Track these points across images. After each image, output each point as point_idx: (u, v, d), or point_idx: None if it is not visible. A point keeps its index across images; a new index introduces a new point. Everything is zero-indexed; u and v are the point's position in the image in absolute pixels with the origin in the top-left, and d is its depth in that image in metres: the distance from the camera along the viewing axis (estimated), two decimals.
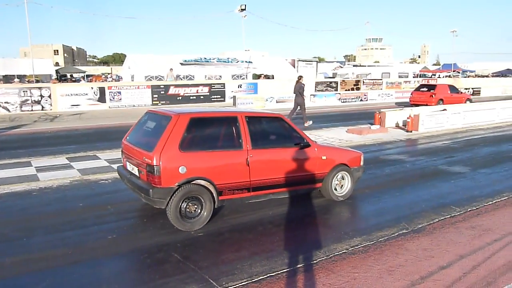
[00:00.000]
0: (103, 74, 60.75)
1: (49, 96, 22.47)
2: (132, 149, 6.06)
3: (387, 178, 8.66)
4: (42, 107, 22.37)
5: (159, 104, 25.12)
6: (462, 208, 6.63)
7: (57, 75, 46.29)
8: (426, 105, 22.04)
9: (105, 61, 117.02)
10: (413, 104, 24.37)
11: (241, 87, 29.20)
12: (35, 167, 9.27)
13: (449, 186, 7.99)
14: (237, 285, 4.18)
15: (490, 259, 4.82)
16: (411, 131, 14.95)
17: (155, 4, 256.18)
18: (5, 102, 21.59)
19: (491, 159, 10.57)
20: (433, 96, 24.42)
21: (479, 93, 39.16)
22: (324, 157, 6.79)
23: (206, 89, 27.40)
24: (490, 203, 6.93)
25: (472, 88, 39.25)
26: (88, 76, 54.68)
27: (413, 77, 52.27)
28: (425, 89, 25.87)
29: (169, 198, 5.45)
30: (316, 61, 43.18)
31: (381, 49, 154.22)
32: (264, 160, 6.16)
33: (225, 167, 5.83)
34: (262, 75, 37.43)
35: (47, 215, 6.30)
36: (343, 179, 7.11)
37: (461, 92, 27.54)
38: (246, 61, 40.14)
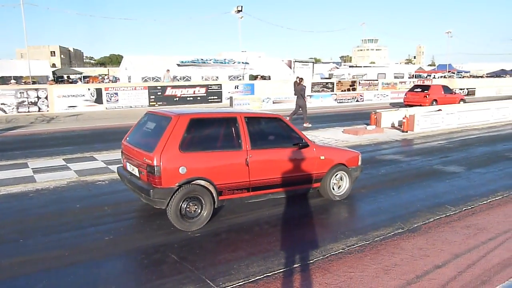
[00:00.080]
0: (100, 75, 60.65)
1: (46, 98, 22.43)
2: (132, 149, 6.09)
3: (383, 178, 8.70)
4: (39, 108, 22.33)
5: (156, 105, 25.12)
6: (457, 208, 6.68)
7: (53, 77, 46.19)
8: (420, 105, 22.11)
9: (102, 62, 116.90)
10: (407, 104, 24.41)
11: (237, 88, 29.23)
12: (32, 168, 9.26)
13: (444, 186, 8.04)
14: (234, 285, 4.20)
15: (485, 258, 4.86)
16: (406, 131, 15.01)
17: (152, 5, 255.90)
18: (1, 104, 21.55)
19: (485, 158, 10.64)
20: (427, 96, 24.50)
21: (474, 94, 39.35)
22: (322, 157, 6.84)
23: (203, 90, 27.41)
24: (485, 202, 6.98)
25: (467, 89, 39.45)
26: (85, 77, 54.61)
27: (409, 77, 52.47)
28: (419, 89, 25.94)
29: (169, 198, 5.48)
30: (313, 62, 43.32)
31: (376, 50, 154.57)
32: (263, 160, 6.20)
33: (224, 167, 5.87)
34: (259, 76, 37.45)
35: (43, 216, 6.30)
36: (341, 179, 7.17)
37: (455, 93, 27.65)
38: (242, 62, 40.19)
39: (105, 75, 62.54)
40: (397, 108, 19.10)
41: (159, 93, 25.54)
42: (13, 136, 14.81)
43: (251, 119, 6.33)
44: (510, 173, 9.06)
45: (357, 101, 31.28)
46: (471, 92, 39.25)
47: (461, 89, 38.39)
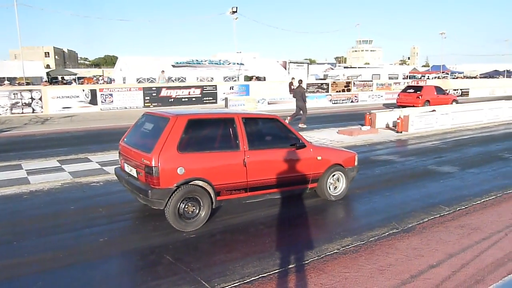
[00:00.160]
0: (94, 76, 60.46)
1: (40, 99, 22.33)
2: (130, 150, 6.09)
3: (378, 179, 8.74)
4: (33, 109, 22.23)
5: (151, 106, 25.06)
6: (451, 208, 6.71)
7: (48, 78, 45.98)
8: (413, 106, 22.20)
9: (96, 63, 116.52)
10: (400, 105, 24.45)
11: (232, 89, 29.23)
12: (26, 170, 9.22)
13: (439, 186, 8.09)
14: (229, 286, 4.21)
15: (479, 257, 4.89)
16: (401, 132, 15.08)
17: (146, 6, 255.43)
18: None
19: (479, 159, 10.70)
20: (420, 97, 24.56)
21: (468, 94, 39.59)
22: (319, 158, 6.87)
23: (198, 91, 27.38)
24: (479, 202, 7.03)
25: (461, 89, 39.67)
26: (79, 78, 54.42)
27: (403, 78, 52.64)
28: (411, 90, 26.00)
29: (167, 199, 5.49)
30: (307, 63, 43.40)
31: (371, 51, 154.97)
32: (261, 160, 6.23)
33: (222, 168, 5.89)
34: (254, 77, 37.49)
35: (38, 218, 6.28)
36: (338, 179, 7.20)
37: (448, 93, 27.76)
38: (237, 63, 40.19)
39: (100, 76, 62.36)
40: (391, 109, 19.18)
41: (154, 94, 25.49)
42: (6, 138, 14.73)
43: (249, 120, 6.36)
44: (504, 173, 9.12)
45: (351, 101, 31.37)
46: (464, 93, 39.48)
47: (455, 89, 38.60)
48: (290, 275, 4.47)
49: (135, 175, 5.93)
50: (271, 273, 4.48)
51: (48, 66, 72.71)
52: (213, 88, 28.36)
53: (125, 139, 6.54)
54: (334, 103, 30.26)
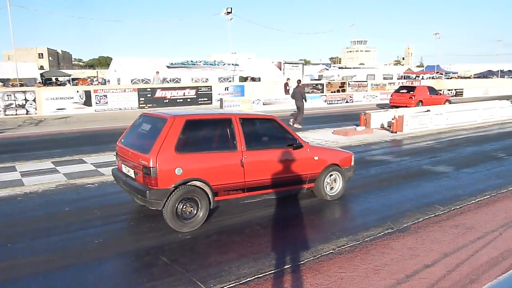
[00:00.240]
0: (89, 77, 60.28)
1: (34, 100, 22.21)
2: (127, 151, 6.08)
3: (373, 179, 8.75)
4: (27, 111, 22.10)
5: (145, 107, 24.99)
6: (446, 207, 6.74)
7: (42, 79, 45.82)
8: (406, 106, 22.23)
9: (90, 65, 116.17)
10: (393, 106, 24.43)
11: (228, 89, 29.22)
12: (20, 171, 9.17)
13: (433, 186, 8.11)
14: (225, 287, 4.20)
15: (474, 256, 4.91)
16: (396, 132, 15.12)
17: (141, 7, 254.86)
18: None
19: (473, 158, 10.75)
20: (413, 98, 24.56)
21: (462, 94, 39.78)
22: (316, 158, 6.90)
23: (193, 92, 27.34)
24: (473, 202, 7.06)
25: (455, 89, 39.85)
26: (73, 79, 54.27)
27: (398, 78, 52.88)
28: (404, 90, 25.98)
29: (165, 199, 5.49)
30: (302, 64, 43.49)
31: (366, 51, 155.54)
32: (258, 161, 6.24)
33: (220, 168, 5.91)
34: (249, 78, 37.53)
35: (32, 220, 6.24)
36: (335, 179, 7.23)
37: (441, 94, 27.81)
38: (232, 64, 40.22)
39: (94, 77, 62.18)
40: (386, 109, 19.24)
41: (148, 95, 25.43)
42: (0, 139, 14.62)
43: (246, 120, 6.39)
44: (498, 172, 9.17)
45: (346, 102, 31.42)
46: (459, 93, 39.67)
47: (449, 89, 38.78)
48: (286, 275, 4.47)
49: (132, 176, 5.92)
50: (267, 273, 4.48)
51: (42, 67, 72.47)
52: (208, 89, 28.33)
53: (122, 140, 6.53)
54: (329, 104, 30.30)
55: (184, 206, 5.67)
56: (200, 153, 5.82)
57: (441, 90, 29.67)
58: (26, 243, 5.35)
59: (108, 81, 42.65)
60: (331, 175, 7.15)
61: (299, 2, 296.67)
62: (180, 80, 35.42)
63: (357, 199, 7.37)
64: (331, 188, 7.18)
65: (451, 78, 60.79)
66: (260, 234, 5.65)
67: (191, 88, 27.74)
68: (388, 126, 16.10)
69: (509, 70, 66.91)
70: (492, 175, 8.97)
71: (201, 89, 27.97)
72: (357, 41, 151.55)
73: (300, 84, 18.12)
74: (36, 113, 22.22)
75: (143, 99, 25.21)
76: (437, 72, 61.97)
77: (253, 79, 37.19)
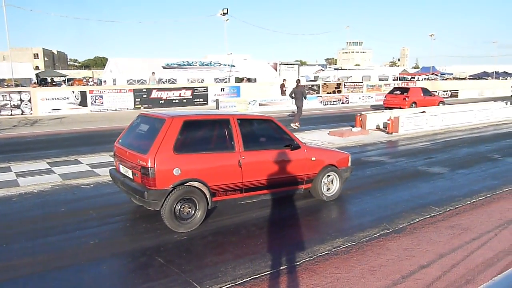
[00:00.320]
0: (84, 78, 60.09)
1: (29, 100, 22.11)
2: (125, 152, 6.08)
3: (369, 180, 8.77)
4: (22, 111, 21.99)
5: (141, 107, 24.93)
6: (442, 208, 6.76)
7: (37, 79, 45.59)
8: (400, 108, 22.26)
9: (86, 65, 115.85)
10: (387, 107, 24.39)
11: (223, 90, 29.20)
12: (15, 172, 9.12)
13: (429, 187, 8.14)
14: None
15: (469, 257, 4.93)
16: (391, 133, 15.17)
17: (136, 7, 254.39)
18: None
19: (468, 159, 10.80)
20: (406, 99, 24.57)
21: (457, 95, 39.98)
22: (313, 158, 6.91)
23: (188, 93, 27.31)
24: (468, 202, 7.09)
25: (450, 91, 40.05)
26: (69, 80, 54.06)
27: (393, 80, 52.95)
28: (398, 92, 25.93)
29: (163, 199, 5.50)
30: (298, 65, 43.51)
31: (361, 52, 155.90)
32: (256, 161, 6.25)
33: (218, 169, 5.92)
34: (245, 79, 37.49)
35: (27, 221, 6.21)
36: (332, 180, 7.25)
37: (434, 95, 27.88)
38: (228, 65, 40.19)
39: (90, 77, 62.01)
40: (381, 111, 19.28)
41: (144, 96, 25.38)
42: None
43: (244, 121, 6.41)
44: (493, 173, 9.21)
45: (342, 103, 31.47)
46: (454, 94, 39.87)
47: (444, 91, 38.96)
48: (282, 276, 4.47)
49: (130, 176, 5.92)
50: (263, 274, 4.48)
51: (37, 68, 72.17)
52: (204, 89, 28.30)
53: (120, 141, 6.52)
54: (325, 105, 30.33)
55: (182, 207, 5.67)
56: (198, 154, 5.82)
57: (435, 91, 29.75)
58: (22, 244, 5.32)
59: (104, 81, 42.53)
60: (329, 175, 7.17)
61: (294, 3, 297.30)
62: (176, 81, 35.37)
63: (353, 200, 7.39)
64: (328, 189, 7.20)
65: (446, 79, 61.03)
66: (256, 235, 5.65)
67: (187, 89, 27.70)
68: (383, 127, 16.14)
69: (504, 72, 67.23)
70: (487, 176, 9.01)
71: (197, 89, 27.93)
72: (353, 43, 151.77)
73: (299, 84, 18.24)
74: (31, 114, 22.12)
75: (138, 99, 25.16)
76: (432, 74, 62.19)
77: (249, 80, 37.17)
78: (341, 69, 75.28)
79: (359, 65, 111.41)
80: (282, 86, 26.94)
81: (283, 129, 6.84)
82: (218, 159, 5.96)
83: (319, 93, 32.88)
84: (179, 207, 5.64)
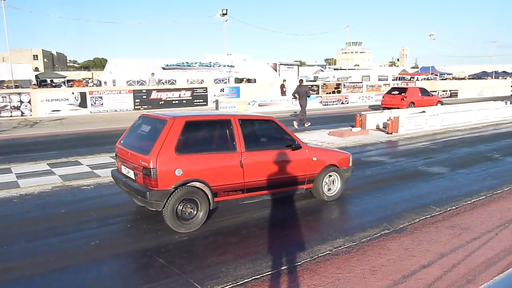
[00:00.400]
0: (84, 79, 60.09)
1: (29, 102, 22.12)
2: (127, 152, 6.08)
3: (369, 180, 8.78)
4: (22, 113, 21.99)
5: (141, 108, 24.93)
6: (442, 208, 6.76)
7: (37, 81, 45.61)
8: (398, 108, 22.22)
9: (86, 66, 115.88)
10: (385, 107, 24.29)
11: (223, 91, 29.20)
12: (15, 173, 9.12)
13: (429, 187, 8.14)
14: None
15: (470, 257, 4.93)
16: (391, 133, 15.17)
17: (136, 8, 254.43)
18: None
19: (468, 159, 10.80)
20: (404, 99, 24.49)
21: (457, 95, 40.00)
22: (314, 159, 6.92)
23: (188, 93, 27.31)
24: (469, 202, 7.09)
25: (450, 90, 40.04)
26: (68, 81, 54.06)
27: (393, 80, 52.98)
28: (396, 92, 25.78)
29: (165, 200, 5.50)
30: (298, 65, 43.55)
31: (361, 52, 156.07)
32: (257, 162, 6.26)
33: (219, 169, 5.92)
34: (244, 79, 37.50)
35: (28, 222, 6.21)
36: (333, 180, 7.26)
37: (432, 95, 27.82)
38: (228, 65, 40.21)
39: (89, 78, 62.01)
40: (381, 111, 19.29)
41: (144, 97, 25.39)
42: None
43: (245, 121, 6.41)
44: (493, 173, 9.21)
45: (342, 103, 31.48)
46: (454, 94, 39.88)
47: (444, 91, 38.97)
48: (282, 276, 4.47)
49: (132, 177, 5.92)
50: (264, 274, 4.48)
51: (37, 69, 72.14)
52: (204, 90, 28.30)
53: (122, 141, 6.53)
54: (325, 105, 30.33)
55: (184, 207, 5.68)
56: (199, 154, 5.83)
57: (435, 91, 29.74)
58: (22, 245, 5.32)
59: (104, 82, 42.53)
60: (330, 175, 7.18)
61: (294, 3, 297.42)
62: (175, 82, 35.38)
63: (353, 200, 7.39)
64: (329, 189, 7.21)
65: (446, 79, 61.04)
66: (257, 235, 5.65)
67: (187, 89, 27.70)
68: (383, 127, 16.15)
69: (504, 71, 67.25)
70: (487, 175, 9.01)
71: (196, 90, 27.94)
72: (352, 43, 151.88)
73: (303, 84, 18.38)
74: (31, 115, 22.13)
75: (138, 100, 25.17)
76: (431, 73, 62.21)
77: (248, 81, 37.17)
78: (341, 69, 75.27)
79: (358, 65, 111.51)
80: (282, 86, 26.96)
81: (284, 129, 6.85)
82: (220, 160, 5.96)
83: (318, 93, 32.87)
84: (181, 207, 5.65)
